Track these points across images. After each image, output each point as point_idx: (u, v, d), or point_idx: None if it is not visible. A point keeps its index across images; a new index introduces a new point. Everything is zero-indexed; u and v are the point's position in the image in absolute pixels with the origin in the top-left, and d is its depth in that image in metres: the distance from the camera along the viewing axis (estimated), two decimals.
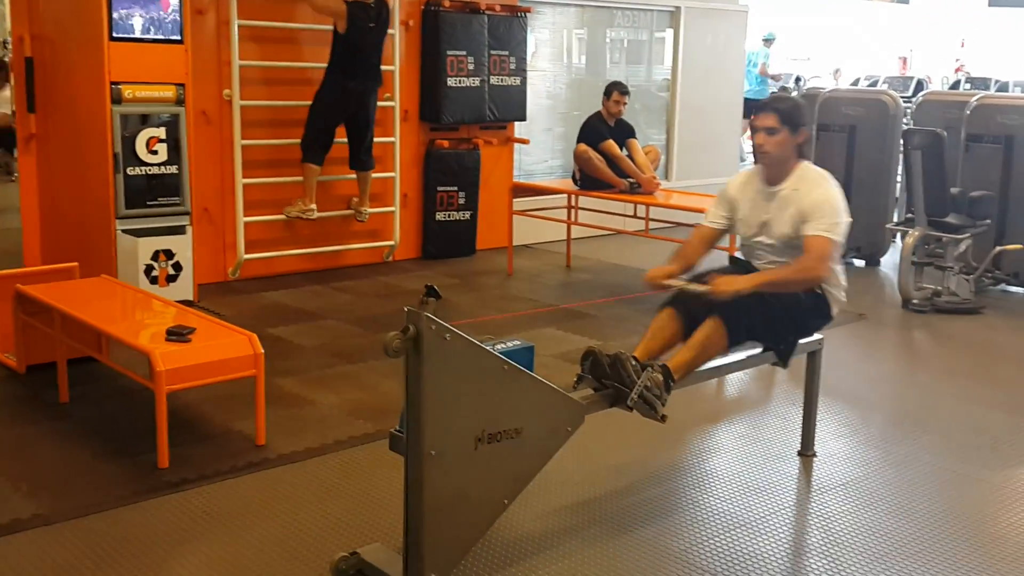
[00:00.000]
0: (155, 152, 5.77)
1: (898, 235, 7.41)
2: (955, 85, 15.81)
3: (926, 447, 4.19)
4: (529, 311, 6.17)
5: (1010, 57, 19.74)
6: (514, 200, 7.25)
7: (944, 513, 3.56)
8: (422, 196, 7.71)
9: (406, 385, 2.74)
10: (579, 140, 7.00)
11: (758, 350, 3.75)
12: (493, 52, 7.78)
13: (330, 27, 6.56)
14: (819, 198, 3.56)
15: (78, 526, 3.30)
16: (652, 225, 6.65)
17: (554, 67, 9.00)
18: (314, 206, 6.74)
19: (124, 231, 5.72)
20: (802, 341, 3.73)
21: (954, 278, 6.66)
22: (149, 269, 5.75)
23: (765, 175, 3.71)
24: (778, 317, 3.57)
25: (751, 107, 12.35)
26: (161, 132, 5.77)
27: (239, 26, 6.43)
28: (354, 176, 6.96)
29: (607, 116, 7.03)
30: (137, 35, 5.65)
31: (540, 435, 2.97)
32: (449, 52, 7.50)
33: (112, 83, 5.58)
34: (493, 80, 7.79)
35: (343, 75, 6.58)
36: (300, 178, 6.70)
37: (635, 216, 6.80)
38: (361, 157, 6.87)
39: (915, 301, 6.56)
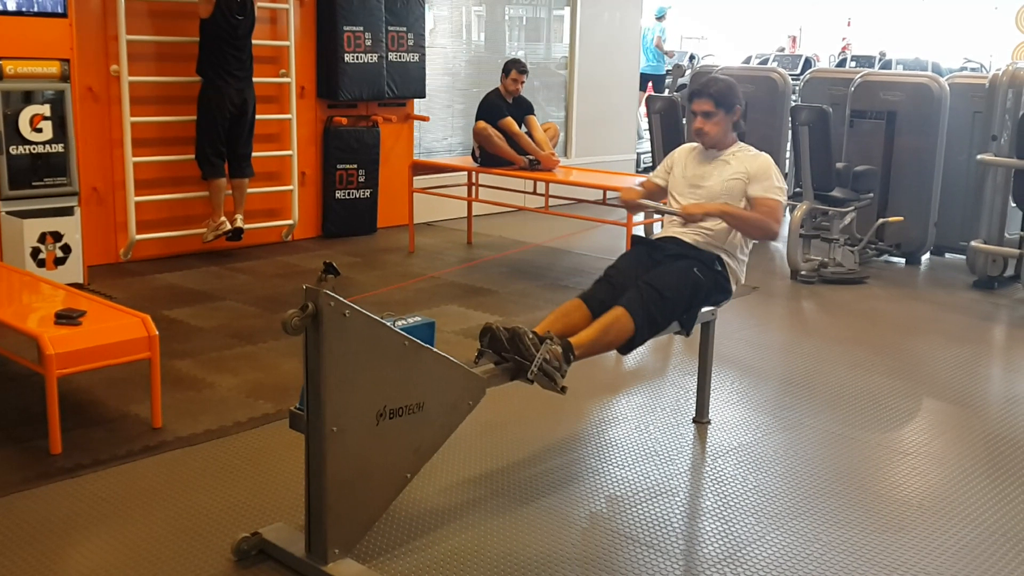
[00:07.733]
0: (40, 130, 5.59)
1: (787, 209, 7.64)
2: (842, 63, 16.30)
3: (813, 411, 4.38)
4: (431, 288, 6.18)
5: (894, 36, 20.47)
6: (414, 177, 7.24)
7: (830, 474, 3.73)
8: (321, 174, 7.63)
9: (306, 363, 2.74)
10: (478, 117, 7.01)
11: None
12: (391, 28, 7.72)
13: None
14: (764, 164, 3.86)
15: None
16: (552, 202, 6.72)
17: (453, 44, 8.98)
18: (224, 218, 6.63)
19: (9, 213, 5.54)
20: (703, 310, 3.87)
21: (839, 250, 6.94)
22: (36, 252, 5.58)
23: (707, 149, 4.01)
24: (679, 304, 3.68)
25: (646, 81, 12.65)
26: (46, 109, 5.59)
27: None
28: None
29: (505, 93, 7.05)
30: (18, 8, 5.44)
31: (442, 409, 3.00)
32: (346, 28, 7.41)
33: None
34: (391, 56, 7.74)
35: (218, 73, 6.44)
36: (191, 156, 6.57)
37: (535, 193, 6.86)
38: (241, 163, 6.70)
39: (803, 272, 6.81)
